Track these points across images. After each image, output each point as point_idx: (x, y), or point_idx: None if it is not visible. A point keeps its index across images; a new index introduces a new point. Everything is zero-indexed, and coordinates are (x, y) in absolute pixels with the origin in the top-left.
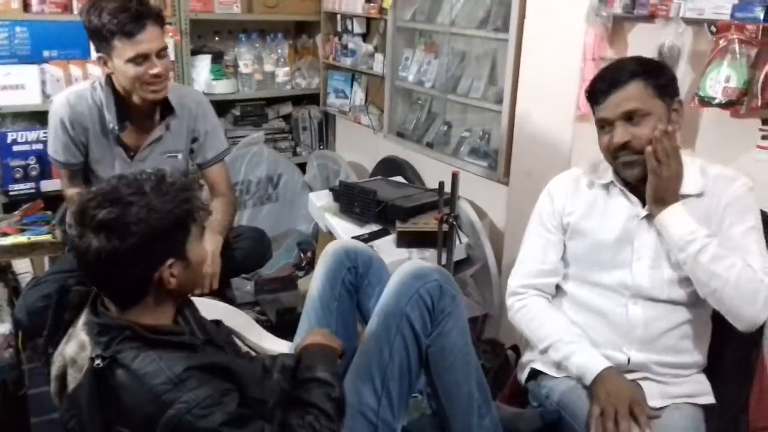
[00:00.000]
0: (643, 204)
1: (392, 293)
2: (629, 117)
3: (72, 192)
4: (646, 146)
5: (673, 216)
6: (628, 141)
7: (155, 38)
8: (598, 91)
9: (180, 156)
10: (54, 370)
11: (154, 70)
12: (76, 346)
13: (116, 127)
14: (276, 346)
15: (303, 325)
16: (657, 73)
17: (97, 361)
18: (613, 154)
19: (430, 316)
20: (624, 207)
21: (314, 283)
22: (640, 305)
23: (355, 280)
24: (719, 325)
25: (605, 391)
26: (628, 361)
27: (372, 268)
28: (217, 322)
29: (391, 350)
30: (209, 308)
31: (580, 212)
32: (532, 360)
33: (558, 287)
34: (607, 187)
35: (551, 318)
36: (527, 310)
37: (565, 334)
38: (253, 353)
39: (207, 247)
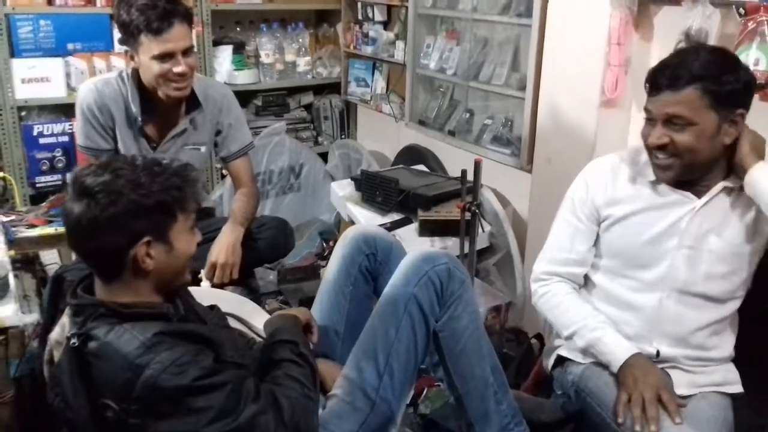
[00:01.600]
0: (698, 197)
1: (401, 275)
2: (672, 121)
3: None
4: (684, 153)
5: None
6: (666, 144)
7: (182, 37)
8: (654, 82)
9: (203, 149)
10: (45, 355)
11: (178, 69)
12: (60, 329)
13: (140, 119)
14: None
15: (315, 307)
16: (722, 81)
17: (73, 340)
18: (649, 149)
19: (439, 299)
20: (672, 201)
21: (330, 267)
22: (674, 299)
23: (373, 267)
24: (746, 316)
25: (633, 378)
26: (657, 354)
27: (392, 255)
28: (212, 307)
29: (398, 330)
30: (216, 298)
31: (621, 204)
32: (558, 346)
33: (586, 278)
34: (653, 182)
35: (575, 304)
36: (551, 296)
37: (590, 320)
38: (258, 339)
39: (227, 237)
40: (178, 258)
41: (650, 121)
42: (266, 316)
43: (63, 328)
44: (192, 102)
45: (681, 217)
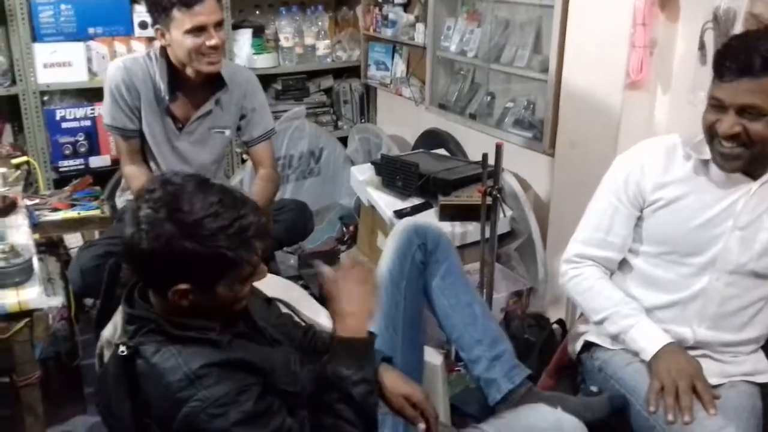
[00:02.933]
0: (754, 177)
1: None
2: (747, 110)
3: (131, 169)
4: (757, 143)
5: None
6: (738, 133)
7: (213, 10)
8: (725, 67)
9: (227, 132)
10: (97, 349)
11: (212, 42)
12: (112, 328)
13: (167, 97)
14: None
15: None
16: None
17: (122, 348)
18: (714, 137)
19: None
20: (725, 182)
21: (384, 261)
22: (723, 281)
23: (424, 258)
24: None
25: (666, 367)
26: (694, 338)
27: (440, 246)
28: (269, 301)
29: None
30: (264, 283)
31: (674, 187)
32: (585, 332)
33: (623, 261)
34: (706, 162)
35: (608, 288)
36: (581, 279)
37: (623, 306)
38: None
39: None
40: (222, 302)
41: (717, 108)
42: (315, 305)
43: (115, 328)
44: (218, 82)
45: (735, 200)
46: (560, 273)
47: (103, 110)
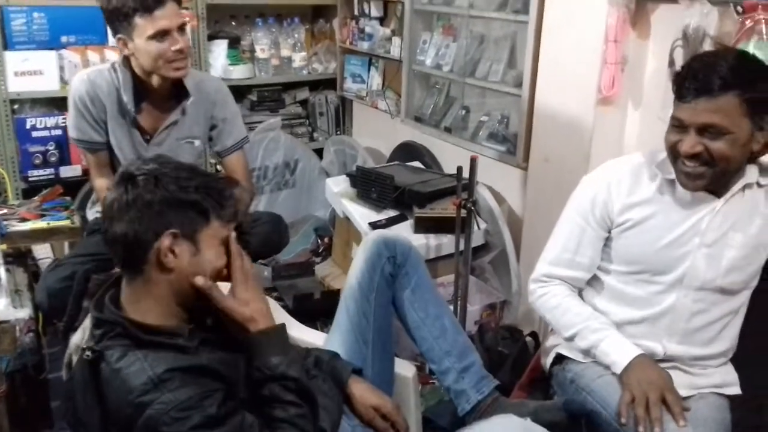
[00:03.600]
0: (717, 195)
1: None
2: (707, 129)
3: (101, 182)
4: (718, 162)
5: None
6: (700, 153)
7: (175, 14)
8: (684, 87)
9: (197, 142)
10: (65, 357)
11: (177, 46)
12: (81, 334)
13: (133, 109)
14: (304, 335)
15: (341, 314)
16: (757, 88)
17: (87, 353)
18: (677, 157)
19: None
20: (691, 201)
21: (353, 272)
22: (691, 297)
23: (393, 270)
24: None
25: (636, 379)
26: (664, 352)
27: (410, 259)
28: None
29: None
30: None
31: (641, 208)
32: (556, 345)
33: (593, 278)
34: (672, 182)
35: (576, 305)
36: (549, 297)
37: (592, 321)
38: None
39: None
40: (203, 266)
41: (678, 128)
42: (288, 318)
43: (84, 333)
44: (181, 92)
45: (701, 218)
46: (529, 291)
47: (69, 124)
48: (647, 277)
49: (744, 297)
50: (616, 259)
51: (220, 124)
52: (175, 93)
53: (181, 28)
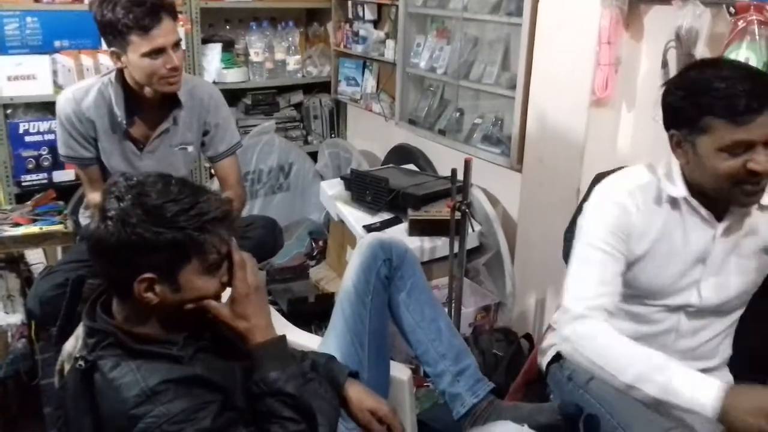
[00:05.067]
0: (718, 219)
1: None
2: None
3: (93, 197)
4: None
5: None
6: None
7: (170, 32)
8: (743, 107)
9: (190, 149)
10: (57, 365)
11: (171, 64)
12: (74, 341)
13: (125, 122)
14: (299, 339)
15: (337, 317)
16: None
17: (80, 362)
18: (743, 181)
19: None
20: (698, 226)
21: (349, 275)
22: (692, 315)
23: (389, 273)
24: (740, 321)
25: (748, 412)
26: None
27: (406, 261)
28: None
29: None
30: None
31: (652, 235)
32: (554, 344)
33: None
34: (675, 201)
35: (626, 342)
36: (599, 335)
37: (654, 357)
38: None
39: None
40: (190, 296)
41: (736, 153)
42: (284, 322)
43: (77, 341)
44: (175, 101)
45: (705, 247)
46: (565, 335)
47: (58, 142)
48: (651, 301)
49: (740, 311)
50: (623, 283)
51: (212, 130)
52: (168, 101)
53: (176, 44)
